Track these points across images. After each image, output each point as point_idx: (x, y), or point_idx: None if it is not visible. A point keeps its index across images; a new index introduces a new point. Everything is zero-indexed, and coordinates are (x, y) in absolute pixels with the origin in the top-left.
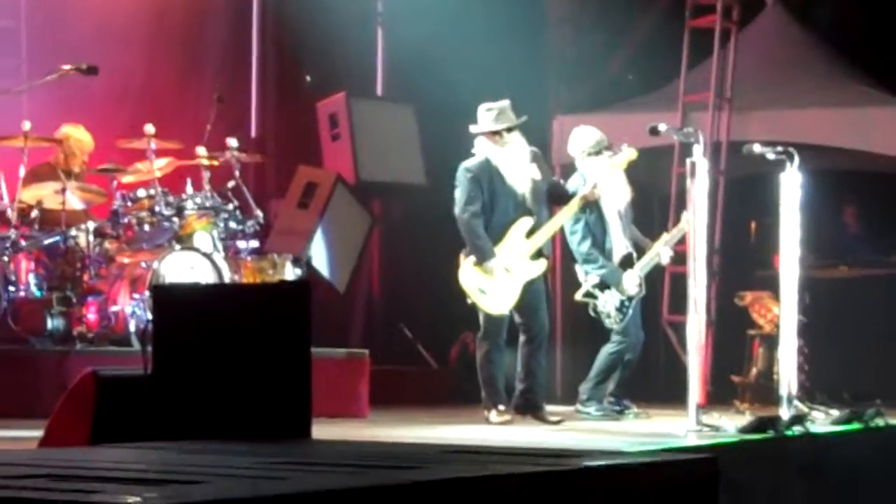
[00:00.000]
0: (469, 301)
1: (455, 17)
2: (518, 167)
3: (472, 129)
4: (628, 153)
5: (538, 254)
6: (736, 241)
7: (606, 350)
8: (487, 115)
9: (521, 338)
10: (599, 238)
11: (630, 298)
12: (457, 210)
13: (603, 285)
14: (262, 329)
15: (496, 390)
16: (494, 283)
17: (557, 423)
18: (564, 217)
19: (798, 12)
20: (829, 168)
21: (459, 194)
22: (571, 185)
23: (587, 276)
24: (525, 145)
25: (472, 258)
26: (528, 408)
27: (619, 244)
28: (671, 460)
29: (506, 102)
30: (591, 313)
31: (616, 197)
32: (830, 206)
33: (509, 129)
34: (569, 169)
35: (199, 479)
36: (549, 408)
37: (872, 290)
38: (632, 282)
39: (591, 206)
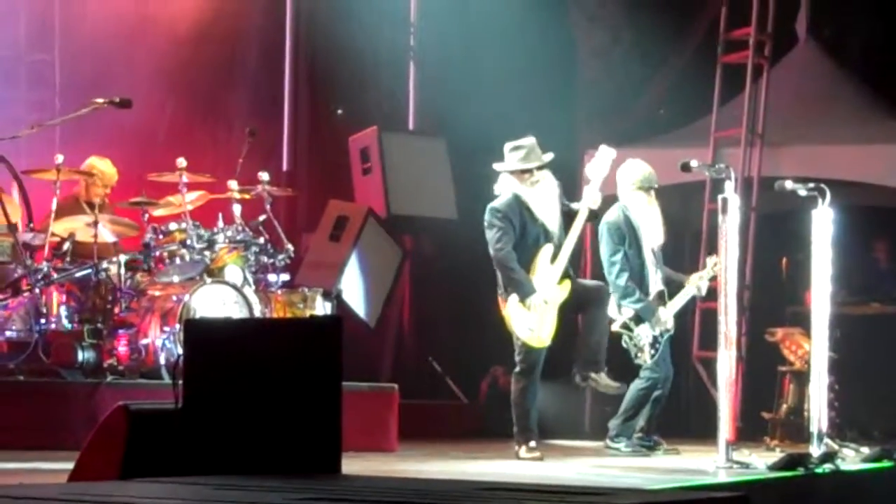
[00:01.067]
0: (516, 340)
1: (487, 51)
2: (548, 204)
3: (499, 167)
4: (607, 153)
5: (561, 278)
6: (767, 276)
7: (636, 386)
8: (515, 154)
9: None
10: (637, 273)
11: (663, 334)
12: (491, 251)
13: (638, 319)
14: (293, 364)
15: (529, 426)
16: (538, 317)
17: (618, 387)
18: (576, 232)
19: (830, 48)
20: (860, 204)
21: (492, 235)
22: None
23: (621, 310)
24: (553, 181)
25: (515, 296)
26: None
27: (654, 281)
28: (702, 498)
29: (532, 140)
30: (624, 345)
31: (653, 235)
32: (862, 243)
33: (539, 168)
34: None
35: None
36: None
37: None
38: (666, 318)
39: (630, 240)
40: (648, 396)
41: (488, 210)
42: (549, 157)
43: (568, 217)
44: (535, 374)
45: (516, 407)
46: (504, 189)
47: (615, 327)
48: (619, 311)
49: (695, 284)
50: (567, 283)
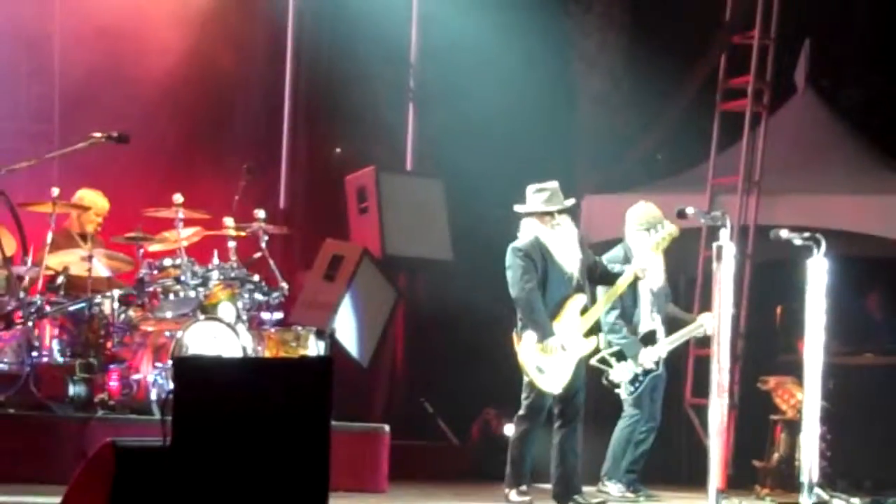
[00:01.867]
0: (525, 381)
1: (487, 94)
2: (568, 248)
3: (521, 208)
4: (669, 229)
5: (589, 332)
6: (761, 325)
7: (619, 426)
8: (539, 196)
9: (557, 421)
10: (629, 311)
11: (646, 373)
12: (513, 290)
13: (621, 356)
14: (282, 404)
15: (522, 471)
16: (552, 361)
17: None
18: (616, 294)
19: (828, 98)
20: (855, 255)
21: (513, 274)
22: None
23: (608, 346)
24: (573, 226)
25: (533, 335)
26: (569, 494)
27: (646, 320)
28: None
29: (555, 184)
30: (604, 381)
31: (652, 275)
32: (856, 293)
33: (560, 212)
34: (596, 248)
35: None
36: (586, 489)
37: None
38: (649, 357)
39: None
40: (633, 434)
41: (511, 250)
42: (570, 202)
43: (602, 276)
44: (538, 419)
45: (513, 449)
46: (526, 231)
47: (593, 362)
48: (602, 346)
49: (701, 323)
50: (594, 340)
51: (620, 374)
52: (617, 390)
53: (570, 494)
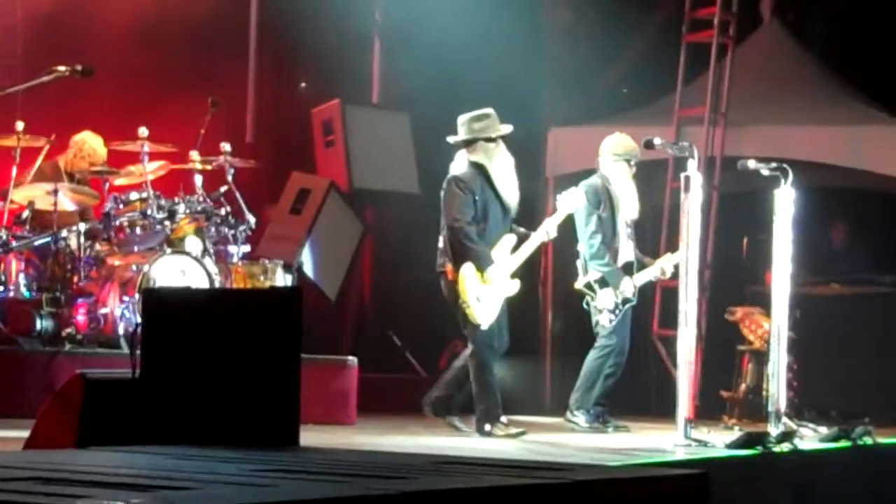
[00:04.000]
0: (462, 311)
1: (452, 27)
2: (508, 177)
3: (457, 138)
4: (578, 199)
5: (514, 273)
6: (728, 256)
7: (591, 356)
8: (476, 124)
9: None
10: (608, 239)
11: (625, 302)
12: (448, 220)
13: (602, 283)
14: (252, 335)
15: (495, 402)
16: (489, 292)
17: (463, 432)
18: (532, 246)
19: (794, 29)
20: (822, 185)
21: (450, 204)
22: (562, 199)
23: (588, 271)
24: (510, 157)
25: (471, 266)
26: (447, 410)
27: (625, 250)
28: (663, 475)
29: (491, 111)
30: (584, 306)
31: (628, 207)
32: (822, 224)
33: (502, 138)
34: (562, 181)
35: (188, 486)
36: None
37: (863, 308)
38: (629, 286)
39: (605, 205)
40: (604, 365)
41: (448, 179)
42: (507, 128)
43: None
44: (492, 347)
45: (477, 383)
46: (462, 161)
47: (578, 285)
48: (584, 273)
49: (660, 266)
50: (517, 283)
51: (604, 300)
52: (598, 318)
53: (448, 412)
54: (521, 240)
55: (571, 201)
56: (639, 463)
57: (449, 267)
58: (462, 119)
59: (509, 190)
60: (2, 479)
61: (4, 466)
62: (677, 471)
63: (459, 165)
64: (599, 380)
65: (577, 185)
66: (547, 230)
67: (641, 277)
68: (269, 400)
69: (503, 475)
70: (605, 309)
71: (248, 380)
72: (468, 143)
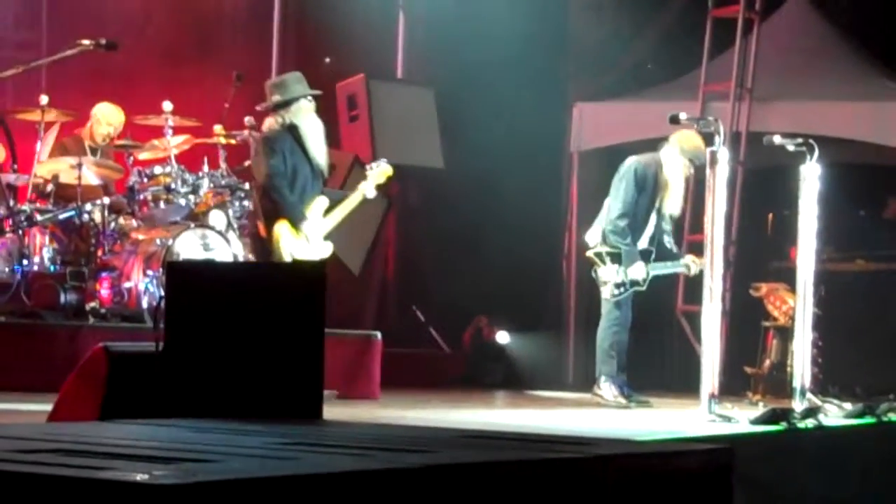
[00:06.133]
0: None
1: (477, 2)
2: (318, 139)
3: (272, 100)
4: (384, 168)
5: (327, 236)
6: (753, 232)
7: (603, 327)
8: (289, 86)
9: None
10: (637, 223)
11: (632, 283)
12: (260, 178)
13: (615, 258)
14: (275, 308)
15: None
16: (301, 249)
17: None
18: (350, 205)
19: (821, 3)
20: (848, 161)
21: (264, 162)
22: (378, 164)
23: (603, 243)
24: (319, 121)
25: (285, 223)
26: None
27: (646, 239)
28: (688, 450)
29: (297, 74)
30: (592, 274)
31: (671, 201)
32: (848, 200)
33: (315, 98)
34: (586, 156)
35: (210, 458)
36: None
37: (888, 284)
38: (641, 271)
39: (649, 189)
40: (617, 335)
41: (261, 139)
42: (316, 92)
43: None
44: None
45: None
46: (276, 122)
47: (589, 253)
48: (602, 241)
49: (685, 264)
50: (330, 247)
51: (608, 274)
52: (603, 287)
53: None
54: (336, 202)
55: (379, 174)
56: (663, 438)
57: (260, 226)
58: (275, 80)
59: (319, 151)
60: (25, 451)
61: (28, 438)
62: (703, 446)
63: (269, 127)
64: (616, 347)
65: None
66: (364, 191)
67: (660, 268)
68: (292, 374)
69: (526, 449)
70: (609, 282)
71: (271, 353)
72: (281, 105)
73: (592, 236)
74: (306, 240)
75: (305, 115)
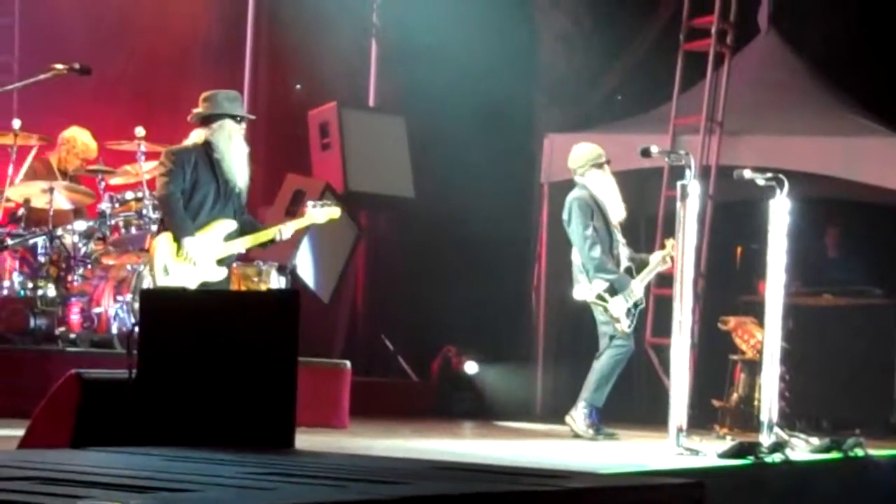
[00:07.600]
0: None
1: (449, 31)
2: (239, 159)
3: (197, 112)
4: (330, 211)
5: (222, 262)
6: (722, 265)
7: (609, 354)
8: (217, 102)
9: None
10: (607, 246)
11: (636, 305)
12: (158, 191)
13: (612, 291)
14: (249, 337)
15: None
16: (179, 266)
17: None
18: (261, 240)
19: (791, 39)
20: (817, 196)
21: (159, 174)
22: (314, 209)
23: (592, 283)
24: (244, 144)
25: (169, 236)
26: None
27: (624, 254)
28: (660, 483)
29: (232, 92)
30: (600, 317)
31: (615, 209)
32: (816, 234)
33: (242, 119)
34: (556, 188)
35: (187, 488)
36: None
37: (855, 319)
38: (638, 289)
39: (597, 214)
40: (621, 364)
41: (164, 152)
42: (246, 115)
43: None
44: None
45: None
46: (191, 138)
47: (590, 299)
48: (590, 284)
49: (659, 260)
50: (225, 272)
51: (618, 307)
52: (612, 326)
53: None
54: (246, 231)
55: (322, 214)
56: (631, 472)
57: (151, 236)
58: (206, 94)
59: (235, 173)
60: (0, 479)
61: (2, 466)
62: (672, 479)
63: (186, 140)
64: (613, 379)
65: (575, 193)
66: (280, 229)
67: (646, 276)
68: (265, 402)
69: (499, 481)
70: (620, 316)
71: (244, 382)
72: (203, 119)
73: (580, 291)
74: (188, 258)
75: (226, 134)
